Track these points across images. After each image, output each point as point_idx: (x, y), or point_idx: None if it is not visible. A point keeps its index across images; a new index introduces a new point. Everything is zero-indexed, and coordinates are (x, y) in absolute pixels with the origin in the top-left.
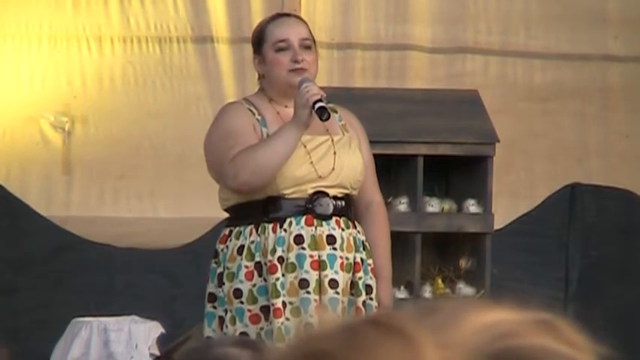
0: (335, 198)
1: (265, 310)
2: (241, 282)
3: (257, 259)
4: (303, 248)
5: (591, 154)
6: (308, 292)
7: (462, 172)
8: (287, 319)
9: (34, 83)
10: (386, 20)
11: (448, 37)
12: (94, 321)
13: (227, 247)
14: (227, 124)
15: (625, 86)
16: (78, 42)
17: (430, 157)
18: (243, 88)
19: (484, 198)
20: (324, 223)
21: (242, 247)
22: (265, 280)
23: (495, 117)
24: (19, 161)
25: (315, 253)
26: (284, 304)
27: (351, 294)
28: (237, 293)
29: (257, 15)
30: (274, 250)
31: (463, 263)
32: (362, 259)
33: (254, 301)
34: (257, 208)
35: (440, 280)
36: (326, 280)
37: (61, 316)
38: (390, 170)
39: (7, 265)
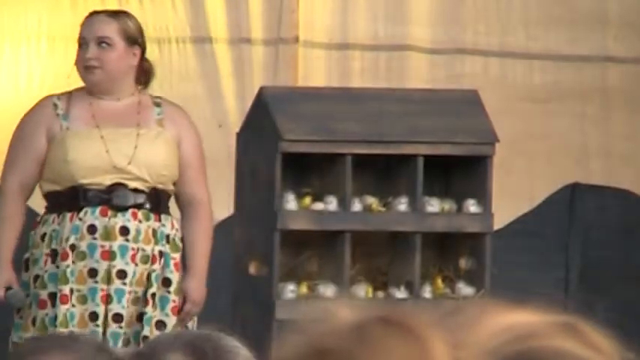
0: (136, 190)
1: (52, 296)
2: (40, 268)
3: (53, 246)
4: (95, 238)
5: (591, 154)
6: (96, 282)
7: (462, 172)
8: (73, 305)
9: (32, 83)
10: (385, 21)
11: (447, 38)
12: None
13: (35, 233)
14: (20, 131)
15: (625, 87)
16: (76, 42)
17: (430, 157)
18: (242, 88)
19: (484, 198)
20: (119, 214)
21: (45, 234)
22: (58, 267)
23: (495, 117)
24: None
25: (106, 243)
26: (71, 290)
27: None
28: (36, 279)
29: (256, 15)
30: (68, 239)
31: (463, 263)
32: (161, 252)
33: (44, 286)
34: (62, 197)
35: (440, 280)
36: (114, 271)
37: None
38: (390, 170)
39: None
